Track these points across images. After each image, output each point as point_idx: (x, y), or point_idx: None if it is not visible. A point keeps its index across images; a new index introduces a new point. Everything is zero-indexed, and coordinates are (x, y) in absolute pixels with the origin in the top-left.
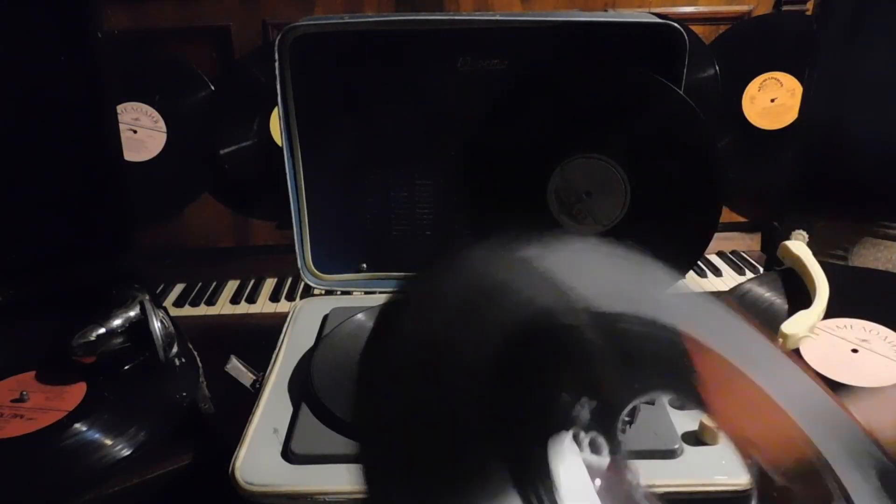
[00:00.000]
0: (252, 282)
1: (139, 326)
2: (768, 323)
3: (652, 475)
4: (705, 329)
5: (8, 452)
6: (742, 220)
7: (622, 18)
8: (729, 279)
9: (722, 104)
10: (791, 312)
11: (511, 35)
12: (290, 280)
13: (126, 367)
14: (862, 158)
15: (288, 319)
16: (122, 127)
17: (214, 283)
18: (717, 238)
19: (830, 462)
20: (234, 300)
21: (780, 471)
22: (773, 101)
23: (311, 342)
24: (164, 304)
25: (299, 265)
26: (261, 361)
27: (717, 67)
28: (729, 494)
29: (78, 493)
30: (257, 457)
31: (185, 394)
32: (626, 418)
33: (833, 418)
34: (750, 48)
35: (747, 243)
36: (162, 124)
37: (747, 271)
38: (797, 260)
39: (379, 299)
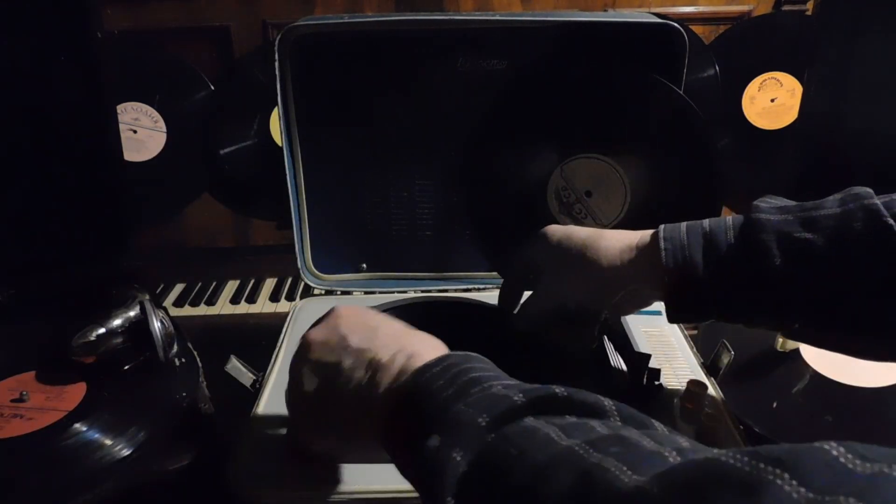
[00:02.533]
0: (252, 282)
1: (139, 326)
2: None
3: None
4: None
5: (8, 452)
6: None
7: (622, 18)
8: None
9: (722, 104)
10: None
11: (511, 35)
12: (290, 280)
13: (126, 367)
14: (862, 158)
15: (288, 319)
16: (122, 127)
17: (214, 283)
18: None
19: None
20: (234, 300)
21: None
22: (773, 101)
23: None
24: (164, 304)
25: (299, 265)
26: (261, 361)
27: (717, 67)
28: None
29: (78, 493)
30: (257, 457)
31: (185, 394)
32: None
33: None
34: (750, 48)
35: None
36: (162, 124)
37: None
38: None
39: (379, 299)
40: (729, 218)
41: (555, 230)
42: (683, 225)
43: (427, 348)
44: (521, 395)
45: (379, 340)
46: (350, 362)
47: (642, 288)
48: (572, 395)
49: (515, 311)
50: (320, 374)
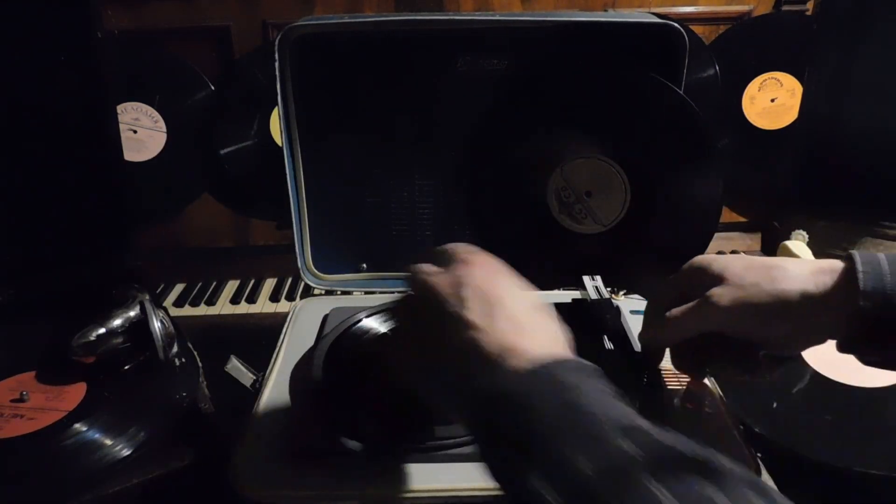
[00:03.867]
0: (252, 282)
1: (139, 326)
2: None
3: None
4: None
5: (8, 452)
6: (742, 220)
7: (622, 18)
8: None
9: (722, 104)
10: None
11: (511, 35)
12: (290, 280)
13: (126, 367)
14: (862, 158)
15: (288, 319)
16: (122, 127)
17: (214, 283)
18: (717, 238)
19: None
20: (234, 300)
21: None
22: (773, 101)
23: (311, 342)
24: (164, 304)
25: (299, 265)
26: (261, 361)
27: (717, 67)
28: None
29: (78, 493)
30: (257, 457)
31: (185, 394)
32: None
33: None
34: (750, 48)
35: (747, 243)
36: (162, 124)
37: None
38: None
39: (379, 299)
40: None
41: (711, 257)
42: (881, 254)
43: (535, 345)
44: (638, 449)
45: (492, 323)
46: (453, 335)
47: (827, 319)
48: (697, 453)
49: (656, 331)
50: (426, 325)
